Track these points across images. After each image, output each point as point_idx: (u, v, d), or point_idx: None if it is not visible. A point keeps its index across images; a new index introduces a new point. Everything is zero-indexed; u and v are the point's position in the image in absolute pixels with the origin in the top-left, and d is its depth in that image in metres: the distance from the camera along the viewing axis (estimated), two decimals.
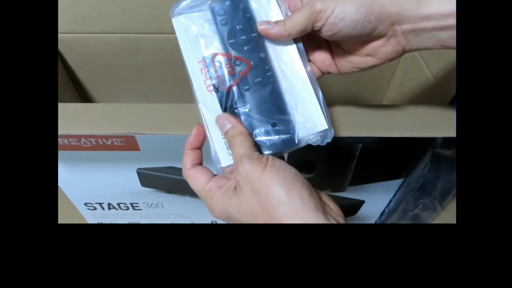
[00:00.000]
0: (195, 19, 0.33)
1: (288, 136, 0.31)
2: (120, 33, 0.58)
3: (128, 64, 0.63)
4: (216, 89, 0.32)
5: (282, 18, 0.33)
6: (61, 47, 0.59)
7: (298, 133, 0.32)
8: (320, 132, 0.32)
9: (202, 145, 0.32)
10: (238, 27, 0.33)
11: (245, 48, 0.32)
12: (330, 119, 0.32)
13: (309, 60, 0.36)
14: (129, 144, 0.41)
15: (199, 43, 0.33)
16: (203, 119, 0.32)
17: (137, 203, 0.53)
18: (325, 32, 0.32)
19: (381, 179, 0.51)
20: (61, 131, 0.36)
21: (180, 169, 0.46)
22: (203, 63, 0.32)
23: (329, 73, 0.37)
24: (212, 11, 0.33)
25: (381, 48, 0.33)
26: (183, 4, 0.34)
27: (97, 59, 0.62)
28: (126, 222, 0.57)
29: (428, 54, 0.58)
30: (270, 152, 0.31)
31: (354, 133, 0.38)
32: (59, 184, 0.48)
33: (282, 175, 0.28)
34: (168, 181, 0.48)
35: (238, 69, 0.32)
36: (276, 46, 0.33)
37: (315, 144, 0.32)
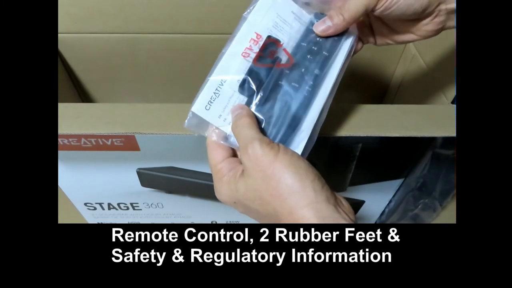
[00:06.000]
0: (289, 6, 0.35)
1: (285, 133, 0.31)
2: (120, 33, 0.58)
3: (128, 64, 0.63)
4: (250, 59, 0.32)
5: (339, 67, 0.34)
6: (61, 47, 0.59)
7: (292, 140, 0.32)
8: None
9: None
10: (318, 39, 0.34)
11: (308, 56, 0.33)
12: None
13: None
14: (129, 144, 0.41)
15: (272, 21, 0.34)
16: (214, 67, 0.31)
17: (137, 203, 0.53)
18: (376, 12, 0.32)
19: (381, 179, 0.51)
20: (61, 131, 0.36)
21: (180, 169, 0.46)
22: (259, 37, 0.33)
23: (368, 42, 0.37)
24: (314, 17, 0.35)
25: (423, 26, 0.34)
26: None
27: (97, 59, 0.62)
28: (126, 222, 0.57)
29: (428, 54, 0.58)
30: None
31: (354, 133, 0.38)
32: (59, 184, 0.48)
33: (296, 164, 0.27)
34: (168, 181, 0.48)
35: (279, 59, 0.33)
36: (335, 70, 0.34)
37: None
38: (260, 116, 0.31)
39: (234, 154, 0.31)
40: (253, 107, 0.31)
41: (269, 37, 0.33)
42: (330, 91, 0.34)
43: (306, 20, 0.35)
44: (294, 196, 0.26)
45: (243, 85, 0.31)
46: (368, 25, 0.37)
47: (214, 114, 0.31)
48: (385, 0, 0.31)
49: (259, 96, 0.31)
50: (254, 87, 0.32)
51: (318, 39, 0.34)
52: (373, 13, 0.33)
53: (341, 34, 0.34)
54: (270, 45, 0.33)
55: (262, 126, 0.31)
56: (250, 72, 0.32)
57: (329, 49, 0.34)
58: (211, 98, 0.31)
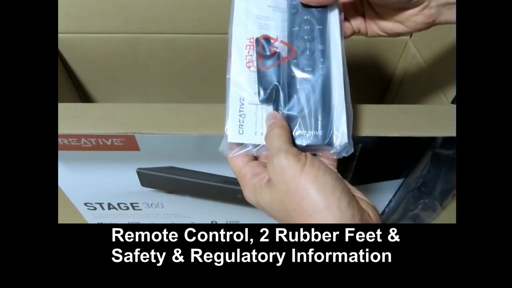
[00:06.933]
0: (263, 2, 0.34)
1: (321, 132, 0.30)
2: (120, 33, 0.58)
3: (128, 64, 0.63)
4: (255, 66, 0.32)
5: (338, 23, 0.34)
6: (61, 47, 0.59)
7: (330, 133, 0.31)
8: (342, 144, 0.31)
9: None
10: (306, 17, 0.33)
11: (305, 37, 0.33)
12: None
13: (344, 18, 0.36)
14: (129, 144, 0.41)
15: (255, 23, 0.33)
16: (228, 90, 0.31)
17: (137, 203, 0.53)
18: None
19: (381, 179, 0.51)
20: (61, 131, 0.36)
21: (180, 169, 0.46)
22: (252, 41, 0.33)
23: (359, 31, 0.37)
24: None
25: (412, 17, 0.34)
26: None
27: (97, 59, 0.62)
28: (126, 222, 0.57)
29: (428, 54, 0.58)
30: (301, 145, 0.30)
31: (354, 133, 0.38)
32: (59, 184, 0.48)
33: (322, 179, 0.26)
34: (168, 181, 0.48)
35: (280, 53, 0.32)
36: (337, 40, 0.33)
37: (333, 153, 0.31)
38: (293, 113, 0.31)
39: (255, 157, 0.32)
40: (282, 110, 0.31)
41: (257, 39, 0.33)
42: (342, 59, 0.33)
43: (284, 6, 0.35)
44: (319, 215, 0.26)
45: (261, 95, 0.31)
46: (361, 14, 0.37)
47: (249, 134, 0.31)
48: None
49: (281, 97, 0.31)
50: (272, 91, 0.31)
51: (305, 17, 0.33)
52: None
53: (324, 7, 0.34)
54: (267, 44, 0.33)
55: (298, 122, 0.31)
56: (261, 79, 0.32)
57: (320, 22, 0.33)
58: (239, 121, 0.31)
